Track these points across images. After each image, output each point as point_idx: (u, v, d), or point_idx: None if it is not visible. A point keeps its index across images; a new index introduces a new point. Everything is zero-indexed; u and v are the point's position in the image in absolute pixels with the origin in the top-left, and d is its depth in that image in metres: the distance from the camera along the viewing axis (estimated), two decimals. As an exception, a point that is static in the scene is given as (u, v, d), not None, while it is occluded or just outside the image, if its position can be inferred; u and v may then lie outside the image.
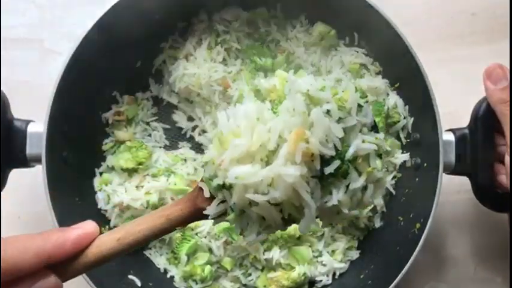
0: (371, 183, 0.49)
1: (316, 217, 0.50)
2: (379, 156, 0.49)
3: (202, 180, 0.52)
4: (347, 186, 0.48)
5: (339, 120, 0.48)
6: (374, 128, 0.51)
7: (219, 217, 0.52)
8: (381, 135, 0.50)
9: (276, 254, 0.83)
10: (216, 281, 0.85)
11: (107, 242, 0.49)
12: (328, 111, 0.47)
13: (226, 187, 0.48)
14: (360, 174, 0.48)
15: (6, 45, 0.94)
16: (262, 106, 0.49)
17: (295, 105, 0.47)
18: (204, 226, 0.84)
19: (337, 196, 0.47)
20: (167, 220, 0.52)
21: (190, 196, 0.53)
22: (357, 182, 0.48)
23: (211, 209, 0.50)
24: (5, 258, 0.42)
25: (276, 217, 0.48)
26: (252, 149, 0.47)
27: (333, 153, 0.46)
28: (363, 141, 0.48)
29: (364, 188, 0.49)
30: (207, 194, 0.51)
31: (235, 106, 0.51)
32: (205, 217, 0.52)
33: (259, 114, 0.48)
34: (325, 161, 0.46)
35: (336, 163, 0.46)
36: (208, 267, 0.83)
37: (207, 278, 0.83)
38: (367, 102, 0.50)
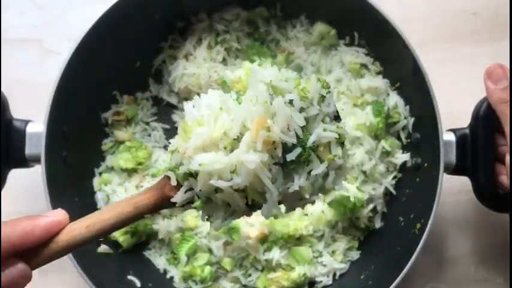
0: (332, 170, 0.51)
1: (280, 202, 0.52)
2: (342, 144, 0.52)
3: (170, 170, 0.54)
4: (309, 173, 0.50)
5: (301, 109, 0.50)
6: (337, 118, 0.53)
7: (187, 204, 0.53)
8: (342, 123, 0.53)
9: (276, 254, 0.83)
10: (215, 282, 0.85)
11: (76, 229, 0.49)
12: (290, 101, 0.49)
13: (192, 175, 0.50)
14: (321, 161, 0.50)
15: (5, 45, 0.95)
16: (225, 96, 0.51)
17: (258, 95, 0.49)
18: (204, 226, 0.84)
19: (298, 182, 0.50)
20: (134, 208, 0.52)
21: (158, 185, 0.54)
22: (318, 169, 0.50)
23: (178, 197, 0.52)
24: None
25: (240, 203, 0.51)
26: (215, 136, 0.49)
27: (295, 141, 0.49)
28: (324, 130, 0.50)
29: (326, 175, 0.51)
30: (174, 182, 0.52)
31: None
32: (173, 205, 0.53)
33: (222, 104, 0.50)
34: (287, 148, 0.49)
35: (297, 150, 0.49)
36: (208, 268, 0.83)
37: (207, 278, 0.83)
38: (329, 92, 0.53)
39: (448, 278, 0.90)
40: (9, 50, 0.95)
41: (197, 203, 0.52)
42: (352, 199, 0.81)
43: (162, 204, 0.54)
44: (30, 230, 0.46)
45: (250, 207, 0.52)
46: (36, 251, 0.47)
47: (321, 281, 0.85)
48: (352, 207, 0.81)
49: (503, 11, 0.96)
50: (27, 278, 0.46)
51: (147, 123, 0.91)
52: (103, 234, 0.51)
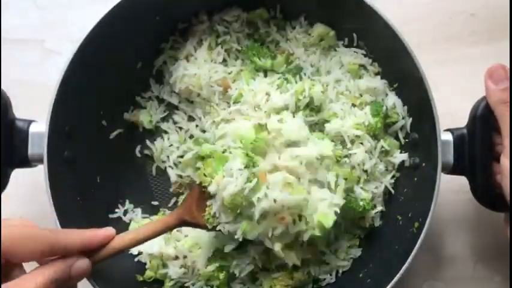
0: None
1: None
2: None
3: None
4: None
5: None
6: None
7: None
8: None
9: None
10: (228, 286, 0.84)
11: (124, 240, 0.70)
12: None
13: None
14: None
15: (7, 45, 0.95)
16: None
17: None
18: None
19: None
20: (163, 227, 0.74)
21: (177, 212, 0.76)
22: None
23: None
24: (60, 239, 0.62)
25: None
26: None
27: None
28: None
29: None
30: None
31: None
32: (186, 225, 0.76)
33: None
34: None
35: None
36: (224, 272, 0.82)
37: (224, 282, 0.82)
38: None
39: (446, 277, 0.90)
40: (10, 50, 0.95)
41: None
42: (360, 203, 0.81)
43: (179, 224, 0.76)
44: (94, 235, 0.67)
45: None
46: (95, 253, 0.67)
47: (324, 279, 0.86)
48: (361, 211, 0.82)
49: (502, 12, 0.97)
50: (89, 269, 0.65)
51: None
52: (141, 243, 0.72)
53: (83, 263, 0.64)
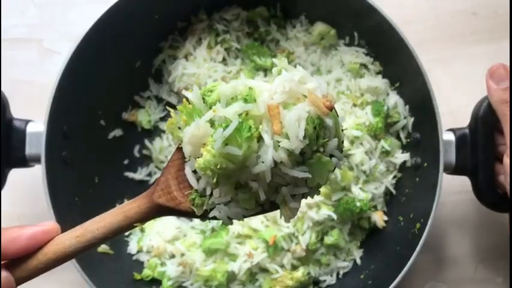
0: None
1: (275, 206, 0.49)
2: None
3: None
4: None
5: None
6: None
7: (188, 214, 0.50)
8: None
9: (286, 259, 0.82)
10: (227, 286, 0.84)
11: (66, 240, 0.48)
12: None
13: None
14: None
15: (5, 45, 0.94)
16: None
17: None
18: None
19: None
20: (125, 217, 0.50)
21: (147, 193, 0.51)
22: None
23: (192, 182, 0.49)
24: None
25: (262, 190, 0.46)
26: None
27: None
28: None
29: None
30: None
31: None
32: (164, 213, 0.51)
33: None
34: None
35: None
36: (226, 273, 0.81)
37: (224, 284, 0.81)
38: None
39: (448, 278, 0.90)
40: (8, 50, 0.95)
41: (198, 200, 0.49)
42: (357, 203, 0.80)
43: (152, 212, 0.51)
44: (15, 237, 0.46)
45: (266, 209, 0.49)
46: (24, 263, 0.46)
47: (324, 280, 0.85)
48: (359, 212, 0.81)
49: (503, 11, 0.96)
50: (8, 286, 0.45)
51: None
52: (94, 245, 0.49)
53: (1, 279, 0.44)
